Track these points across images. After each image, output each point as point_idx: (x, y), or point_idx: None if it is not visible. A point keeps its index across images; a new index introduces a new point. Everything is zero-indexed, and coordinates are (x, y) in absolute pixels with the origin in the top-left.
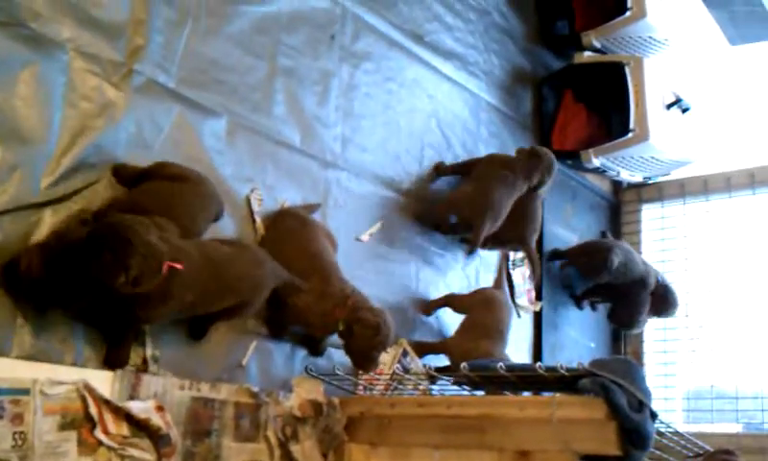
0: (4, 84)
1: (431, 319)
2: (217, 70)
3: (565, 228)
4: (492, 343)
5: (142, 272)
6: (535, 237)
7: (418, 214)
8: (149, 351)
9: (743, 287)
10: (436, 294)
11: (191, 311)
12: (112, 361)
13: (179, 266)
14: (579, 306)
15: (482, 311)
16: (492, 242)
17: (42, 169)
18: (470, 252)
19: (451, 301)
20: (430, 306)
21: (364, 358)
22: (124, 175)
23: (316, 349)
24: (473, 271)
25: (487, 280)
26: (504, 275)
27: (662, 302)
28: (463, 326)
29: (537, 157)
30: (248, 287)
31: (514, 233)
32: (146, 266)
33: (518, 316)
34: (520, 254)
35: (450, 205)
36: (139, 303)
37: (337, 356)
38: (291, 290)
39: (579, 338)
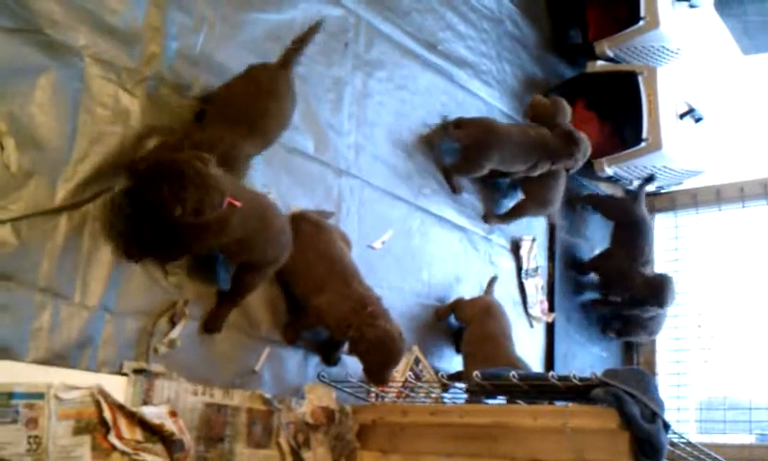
0: (21, 90)
1: (442, 324)
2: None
3: (577, 236)
4: (506, 346)
5: (202, 203)
6: (554, 208)
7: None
8: (175, 334)
9: (757, 297)
10: (448, 301)
11: (233, 253)
12: (129, 253)
13: (238, 204)
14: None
15: (486, 321)
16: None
17: (59, 175)
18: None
19: (456, 306)
20: (441, 312)
21: (368, 370)
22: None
23: (330, 357)
24: (486, 277)
25: (499, 288)
26: (493, 286)
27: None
28: (473, 337)
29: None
30: (282, 243)
31: (535, 203)
32: (207, 198)
33: (531, 326)
34: (533, 264)
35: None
36: (196, 233)
37: (350, 363)
38: (312, 291)
39: (591, 348)
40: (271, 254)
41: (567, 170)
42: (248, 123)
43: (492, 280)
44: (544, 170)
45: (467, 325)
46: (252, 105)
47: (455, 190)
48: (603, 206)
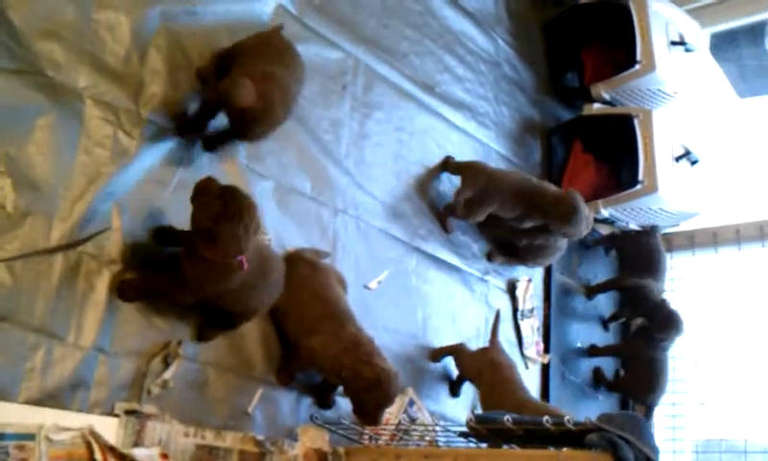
0: (20, 131)
1: (438, 366)
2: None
3: (572, 277)
4: (527, 396)
5: (228, 246)
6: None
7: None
8: (168, 374)
9: (752, 339)
10: (443, 342)
11: (228, 304)
12: (123, 290)
13: (245, 266)
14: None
15: (498, 376)
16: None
17: (55, 215)
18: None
19: (458, 353)
20: (437, 353)
21: (362, 410)
22: None
23: (325, 400)
24: (483, 320)
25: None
26: (498, 333)
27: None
28: (489, 388)
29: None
30: (277, 288)
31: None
32: (234, 244)
33: (526, 368)
34: (529, 305)
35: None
36: (200, 273)
37: (343, 405)
38: (306, 332)
39: (586, 389)
40: (267, 301)
41: (565, 235)
42: (285, 61)
43: (497, 321)
44: (537, 223)
45: (471, 380)
46: (277, 51)
47: (447, 230)
48: (622, 241)
